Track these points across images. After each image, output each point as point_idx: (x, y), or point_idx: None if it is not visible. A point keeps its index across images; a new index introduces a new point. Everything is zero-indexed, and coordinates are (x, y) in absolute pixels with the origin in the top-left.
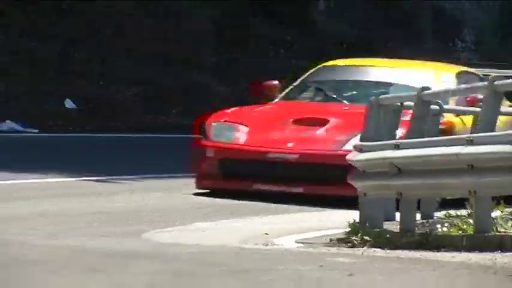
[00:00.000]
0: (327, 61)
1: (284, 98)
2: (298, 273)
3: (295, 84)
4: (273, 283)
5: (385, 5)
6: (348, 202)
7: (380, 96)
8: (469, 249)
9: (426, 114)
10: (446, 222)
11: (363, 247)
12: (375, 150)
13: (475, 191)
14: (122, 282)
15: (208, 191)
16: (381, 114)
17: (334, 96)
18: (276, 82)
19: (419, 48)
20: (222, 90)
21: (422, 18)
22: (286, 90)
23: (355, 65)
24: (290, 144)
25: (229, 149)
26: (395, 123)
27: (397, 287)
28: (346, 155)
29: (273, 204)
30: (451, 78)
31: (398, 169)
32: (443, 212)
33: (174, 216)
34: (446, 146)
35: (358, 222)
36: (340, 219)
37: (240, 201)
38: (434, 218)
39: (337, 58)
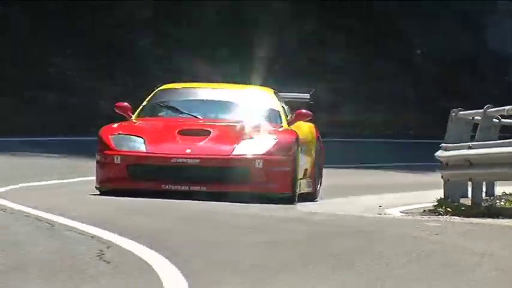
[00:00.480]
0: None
1: (139, 116)
2: (401, 232)
3: (143, 104)
4: (385, 239)
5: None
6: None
7: (459, 112)
8: None
9: (490, 125)
10: (503, 198)
11: (446, 215)
12: (454, 150)
13: None
14: (277, 239)
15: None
16: (458, 124)
17: (186, 111)
18: (126, 104)
19: (483, 81)
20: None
21: (484, 60)
22: (138, 110)
23: (189, 87)
24: (188, 151)
25: (136, 156)
26: (468, 130)
27: (469, 241)
28: (238, 158)
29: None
30: (271, 96)
31: (470, 163)
32: (501, 191)
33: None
34: (504, 147)
35: (443, 199)
36: (431, 197)
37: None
38: (495, 195)
39: (429, 88)
